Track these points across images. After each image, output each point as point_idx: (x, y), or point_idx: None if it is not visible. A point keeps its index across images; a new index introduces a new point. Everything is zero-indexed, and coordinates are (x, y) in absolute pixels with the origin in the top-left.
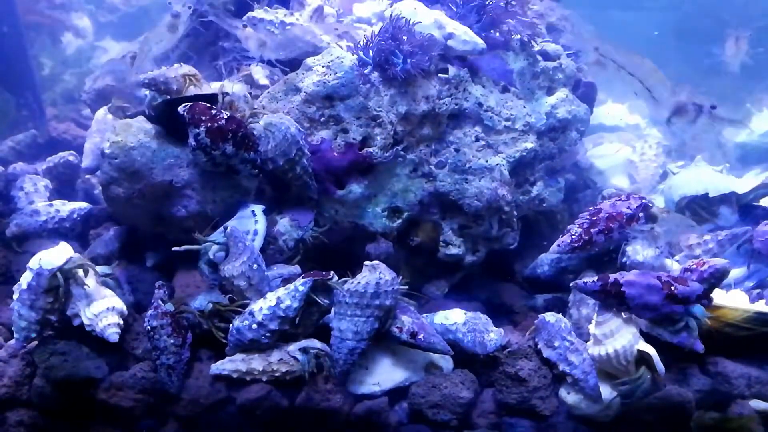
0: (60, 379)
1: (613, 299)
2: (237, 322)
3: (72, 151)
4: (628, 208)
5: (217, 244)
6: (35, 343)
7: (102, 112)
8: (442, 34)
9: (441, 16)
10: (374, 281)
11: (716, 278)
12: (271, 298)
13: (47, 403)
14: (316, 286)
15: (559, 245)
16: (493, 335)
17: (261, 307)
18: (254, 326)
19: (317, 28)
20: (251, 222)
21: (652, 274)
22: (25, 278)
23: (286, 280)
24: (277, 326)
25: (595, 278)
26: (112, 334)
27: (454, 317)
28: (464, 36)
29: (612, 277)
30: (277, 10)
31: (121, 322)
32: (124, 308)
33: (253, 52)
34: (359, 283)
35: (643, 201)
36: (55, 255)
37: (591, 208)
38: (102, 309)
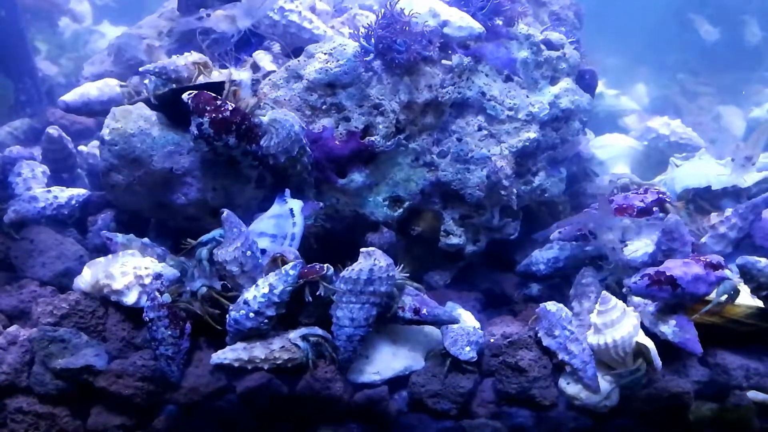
0: (59, 367)
1: (667, 286)
2: (234, 313)
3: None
4: (642, 201)
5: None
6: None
7: (114, 81)
8: (437, 22)
9: (436, 3)
10: (368, 268)
11: None
12: (263, 285)
13: (46, 390)
14: (313, 281)
15: (561, 232)
16: (468, 350)
17: (255, 295)
18: (252, 315)
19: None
20: (289, 223)
21: (675, 260)
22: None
23: None
24: (274, 312)
25: (639, 277)
26: None
27: (463, 313)
28: (459, 22)
29: (652, 270)
30: None
31: None
32: None
33: (230, 30)
34: (353, 270)
35: (660, 196)
36: None
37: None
38: None
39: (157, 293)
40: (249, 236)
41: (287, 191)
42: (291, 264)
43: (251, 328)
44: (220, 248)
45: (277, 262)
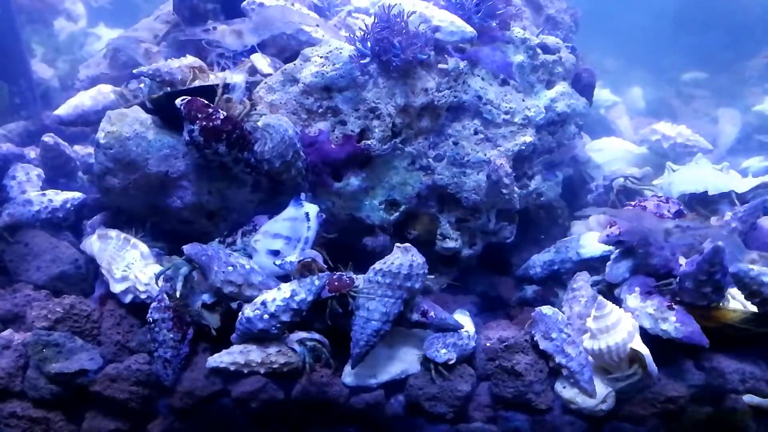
0: (54, 371)
1: None
2: (248, 312)
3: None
4: (669, 211)
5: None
6: None
7: (108, 87)
8: (428, 27)
9: (428, 8)
10: (408, 263)
11: None
12: (285, 290)
13: (41, 394)
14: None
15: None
16: (443, 352)
17: (274, 297)
18: (266, 317)
19: (296, 5)
20: (304, 227)
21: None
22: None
23: None
24: (288, 318)
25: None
26: None
27: (464, 319)
28: (450, 26)
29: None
30: None
31: None
32: None
33: (235, 45)
34: (392, 263)
35: (680, 208)
36: None
37: (634, 202)
38: None
39: (164, 295)
40: (220, 255)
41: (303, 195)
42: (318, 275)
43: (262, 329)
44: (206, 280)
45: (309, 267)
